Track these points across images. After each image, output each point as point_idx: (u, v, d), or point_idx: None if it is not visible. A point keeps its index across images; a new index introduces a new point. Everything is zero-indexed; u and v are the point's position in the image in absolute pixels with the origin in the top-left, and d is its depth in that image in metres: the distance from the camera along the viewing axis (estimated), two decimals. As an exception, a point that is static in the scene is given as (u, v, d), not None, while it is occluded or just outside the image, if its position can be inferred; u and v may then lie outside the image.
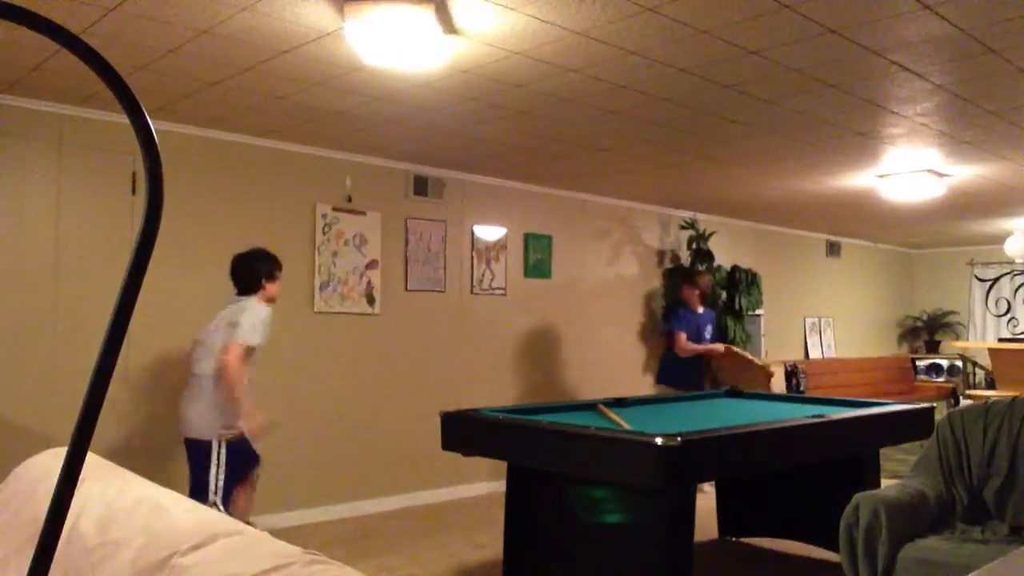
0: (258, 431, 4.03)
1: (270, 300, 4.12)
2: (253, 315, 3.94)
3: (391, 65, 3.55)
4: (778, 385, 8.35)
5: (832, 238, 10.13)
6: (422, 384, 5.92)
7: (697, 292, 6.50)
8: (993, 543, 3.09)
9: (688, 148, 5.36)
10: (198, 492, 3.85)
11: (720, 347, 6.53)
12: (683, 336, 6.31)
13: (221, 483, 3.87)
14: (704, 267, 7.63)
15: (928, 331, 11.36)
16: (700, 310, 6.53)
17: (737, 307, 7.71)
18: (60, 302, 4.41)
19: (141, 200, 0.97)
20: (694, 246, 7.69)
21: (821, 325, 9.93)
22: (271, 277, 4.11)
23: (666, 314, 7.31)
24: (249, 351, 3.93)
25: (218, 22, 3.20)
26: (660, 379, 6.57)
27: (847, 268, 10.45)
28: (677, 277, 7.20)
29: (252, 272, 4.07)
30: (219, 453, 3.86)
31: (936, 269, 11.52)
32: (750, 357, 6.82)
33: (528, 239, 6.70)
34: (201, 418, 3.90)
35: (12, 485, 2.15)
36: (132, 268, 0.77)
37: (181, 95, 4.21)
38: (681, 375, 6.30)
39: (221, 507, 3.84)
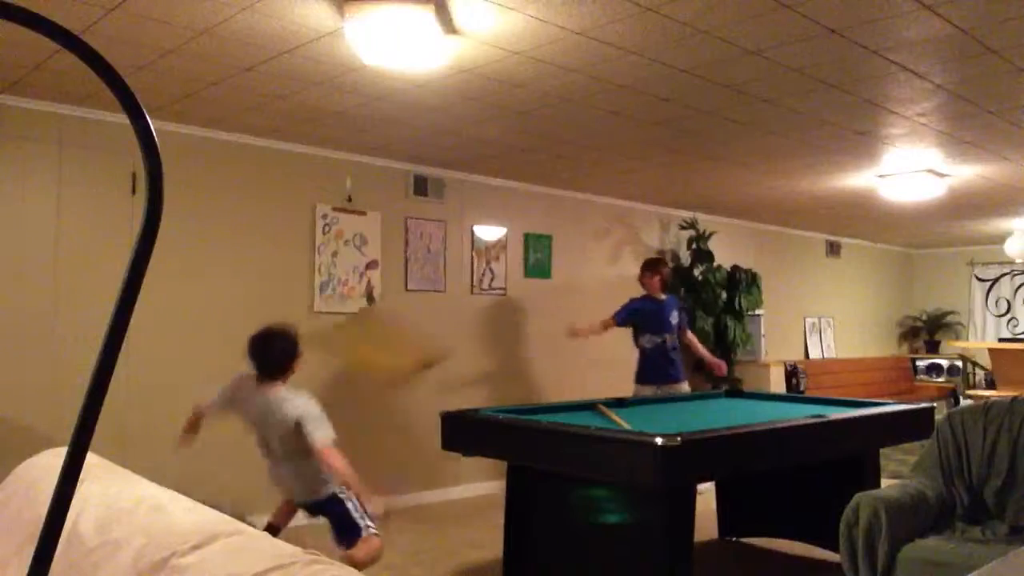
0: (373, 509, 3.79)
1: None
2: (314, 414, 3.65)
3: (391, 65, 3.55)
4: (778, 385, 8.35)
5: (832, 238, 10.13)
6: (422, 384, 5.92)
7: (658, 279, 6.15)
8: (993, 543, 3.09)
9: (688, 148, 5.36)
10: (346, 534, 3.72)
11: (599, 324, 6.08)
12: (607, 320, 6.04)
13: (359, 514, 3.73)
14: (704, 267, 7.63)
15: (928, 331, 11.35)
16: (663, 297, 6.20)
17: (737, 307, 7.71)
18: (60, 302, 4.41)
19: (141, 200, 0.97)
20: (694, 246, 7.69)
21: (821, 325, 9.93)
22: (296, 357, 3.78)
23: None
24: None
25: (218, 22, 3.20)
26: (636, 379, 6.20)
27: (847, 268, 10.44)
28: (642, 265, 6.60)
29: (284, 353, 3.72)
30: (341, 494, 3.73)
31: (936, 269, 11.52)
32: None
33: (528, 239, 6.70)
34: (307, 485, 3.74)
35: (12, 485, 2.15)
36: (132, 268, 0.77)
37: (181, 95, 4.21)
38: (646, 371, 6.04)
39: (371, 526, 3.73)
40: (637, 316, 6.10)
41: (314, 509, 3.88)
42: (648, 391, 5.88)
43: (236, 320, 5.02)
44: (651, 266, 6.31)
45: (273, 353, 3.70)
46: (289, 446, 3.69)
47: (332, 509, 3.79)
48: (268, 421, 3.73)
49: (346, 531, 3.76)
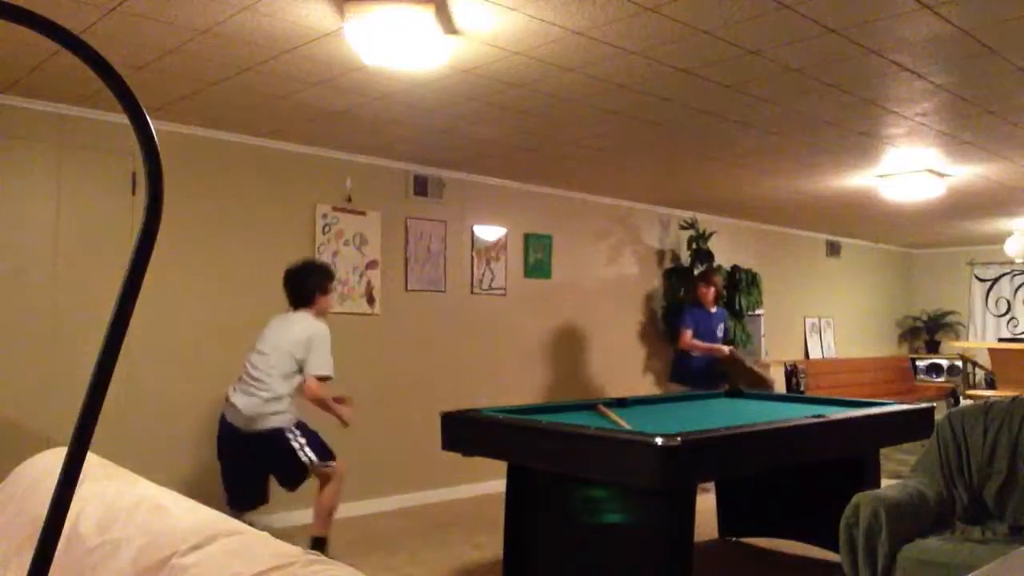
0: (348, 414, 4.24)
1: (322, 313, 4.20)
2: (321, 345, 4.03)
3: (391, 65, 3.55)
4: (778, 385, 8.35)
5: (832, 238, 10.13)
6: (422, 384, 5.92)
7: (713, 291, 6.53)
8: (993, 543, 3.09)
9: (688, 148, 5.36)
10: (290, 474, 4.04)
11: (724, 349, 6.51)
12: (688, 333, 6.33)
13: (313, 455, 4.02)
14: (704, 267, 7.64)
15: (928, 331, 11.35)
16: (713, 309, 6.53)
17: (737, 307, 7.70)
18: (60, 302, 4.41)
19: (141, 200, 0.97)
20: (694, 246, 7.69)
21: (821, 325, 9.93)
22: (324, 291, 4.19)
23: (670, 314, 7.30)
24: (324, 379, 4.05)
25: (218, 22, 3.20)
26: (673, 377, 6.57)
27: (847, 268, 10.45)
28: (694, 277, 7.15)
29: (305, 286, 4.15)
30: (295, 433, 4.01)
31: (936, 269, 11.51)
32: (748, 365, 6.77)
33: (528, 239, 6.70)
34: (256, 410, 3.96)
35: (12, 485, 2.14)
36: (132, 268, 0.77)
37: (181, 95, 4.21)
38: (693, 373, 6.29)
39: (327, 464, 4.05)
40: (696, 325, 6.43)
41: (248, 448, 4.02)
42: (679, 391, 6.06)
43: (236, 320, 5.03)
44: (705, 277, 6.60)
45: (306, 284, 4.14)
46: (276, 368, 3.96)
47: (267, 451, 4.01)
48: (277, 339, 4.02)
49: (289, 474, 4.04)
